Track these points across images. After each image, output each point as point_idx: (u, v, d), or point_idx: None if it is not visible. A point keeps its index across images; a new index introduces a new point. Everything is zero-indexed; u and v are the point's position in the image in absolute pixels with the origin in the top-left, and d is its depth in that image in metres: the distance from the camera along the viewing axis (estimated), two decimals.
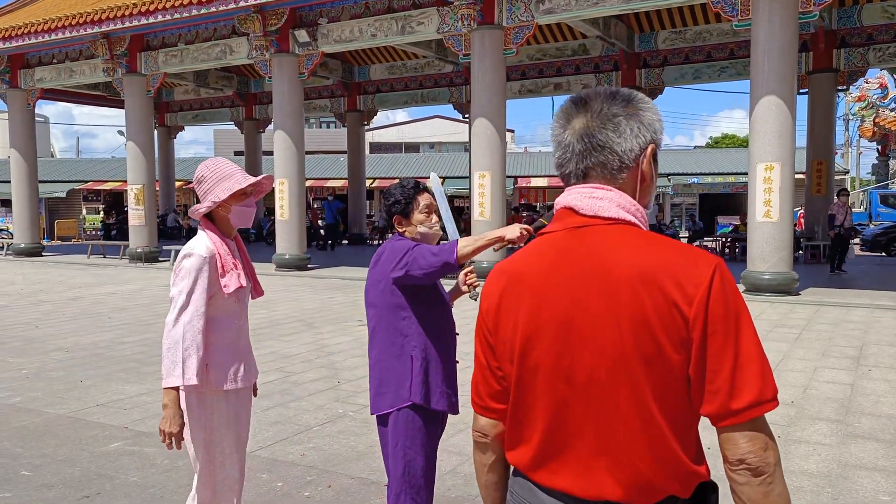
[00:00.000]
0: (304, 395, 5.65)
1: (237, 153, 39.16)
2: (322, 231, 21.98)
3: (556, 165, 1.33)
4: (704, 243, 19.31)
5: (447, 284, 2.91)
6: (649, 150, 1.26)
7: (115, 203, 30.11)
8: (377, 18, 14.28)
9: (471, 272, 2.93)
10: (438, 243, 2.74)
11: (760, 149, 10.47)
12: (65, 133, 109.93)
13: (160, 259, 18.08)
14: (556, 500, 1.24)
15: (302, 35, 14.84)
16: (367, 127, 24.78)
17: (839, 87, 16.81)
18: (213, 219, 2.59)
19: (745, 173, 27.59)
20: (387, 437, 2.70)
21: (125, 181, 30.60)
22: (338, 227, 22.04)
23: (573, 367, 1.20)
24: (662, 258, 1.16)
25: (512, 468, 1.36)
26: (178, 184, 27.21)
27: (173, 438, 2.43)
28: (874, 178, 41.18)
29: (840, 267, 14.01)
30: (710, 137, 58.74)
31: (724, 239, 19.43)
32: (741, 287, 10.18)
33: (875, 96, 32.50)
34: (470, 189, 13.62)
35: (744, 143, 50.33)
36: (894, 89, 31.18)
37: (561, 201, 1.30)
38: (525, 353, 1.26)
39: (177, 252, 14.33)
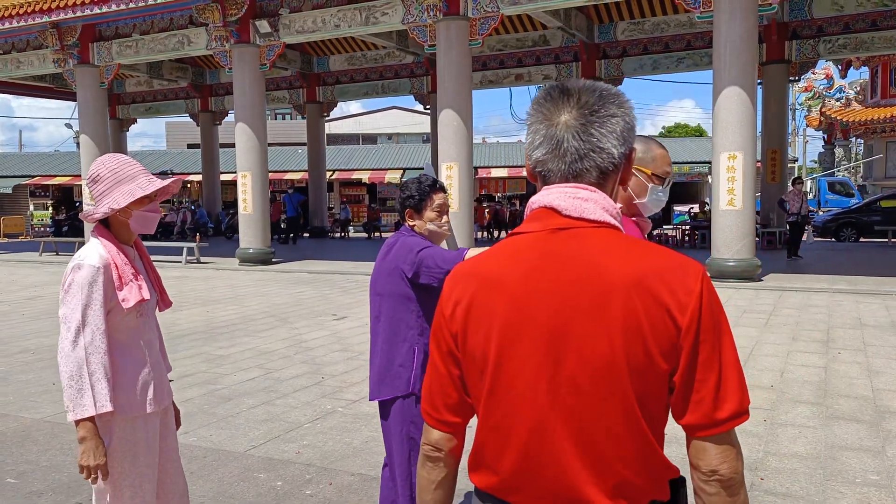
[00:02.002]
0: (288, 391, 5.58)
1: (191, 146, 38.34)
2: (283, 224, 21.69)
3: (536, 161, 1.21)
4: (664, 231, 19.66)
5: None
6: (633, 154, 1.22)
7: (65, 198, 29.10)
8: (340, 9, 14.09)
9: None
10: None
11: (724, 138, 10.69)
12: (2, 126, 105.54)
13: None
14: None
15: (263, 26, 14.57)
16: (326, 118, 24.50)
17: (791, 78, 17.29)
18: (108, 224, 2.31)
19: (700, 162, 28.20)
20: (389, 423, 2.75)
21: (75, 175, 29.80)
22: (299, 220, 21.78)
23: (555, 378, 1.13)
24: (653, 263, 1.12)
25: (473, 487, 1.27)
26: None
27: (99, 471, 2.16)
28: (819, 166, 42.51)
29: (796, 253, 14.43)
30: (663, 127, 59.84)
31: (683, 227, 19.82)
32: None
33: (821, 86, 33.55)
34: None
35: (695, 133, 51.31)
36: (839, 80, 32.23)
37: (540, 200, 1.21)
38: (500, 364, 1.17)
39: None
